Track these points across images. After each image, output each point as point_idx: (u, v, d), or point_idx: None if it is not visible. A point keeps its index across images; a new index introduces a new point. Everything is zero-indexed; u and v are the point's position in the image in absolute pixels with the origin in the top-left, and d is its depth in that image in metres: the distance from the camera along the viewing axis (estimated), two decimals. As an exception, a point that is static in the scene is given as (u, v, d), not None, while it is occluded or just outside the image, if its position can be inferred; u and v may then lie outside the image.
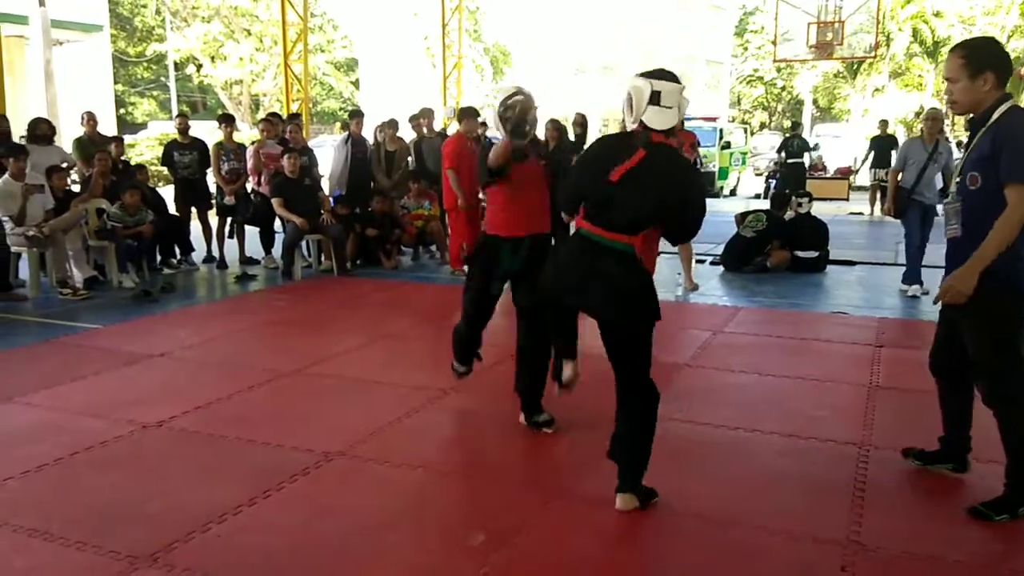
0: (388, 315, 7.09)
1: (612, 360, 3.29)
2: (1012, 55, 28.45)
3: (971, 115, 3.18)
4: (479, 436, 4.17)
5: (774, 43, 19.90)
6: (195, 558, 2.95)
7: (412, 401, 4.64)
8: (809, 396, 4.83)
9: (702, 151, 12.86)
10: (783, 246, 9.03)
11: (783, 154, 16.30)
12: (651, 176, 3.00)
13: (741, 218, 9.30)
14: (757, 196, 18.63)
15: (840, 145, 23.68)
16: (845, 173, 19.67)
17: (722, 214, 11.34)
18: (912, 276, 7.62)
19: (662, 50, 44.48)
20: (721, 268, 9.13)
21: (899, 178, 7.54)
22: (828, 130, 29.19)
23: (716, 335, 6.30)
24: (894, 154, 9.43)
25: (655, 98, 3.03)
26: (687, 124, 10.07)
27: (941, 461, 3.63)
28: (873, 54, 21.54)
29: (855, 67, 35.92)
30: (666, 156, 3.07)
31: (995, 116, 3.06)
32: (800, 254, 8.98)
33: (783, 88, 48.19)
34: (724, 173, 21.33)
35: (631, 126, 3.12)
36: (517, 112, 3.76)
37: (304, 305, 7.60)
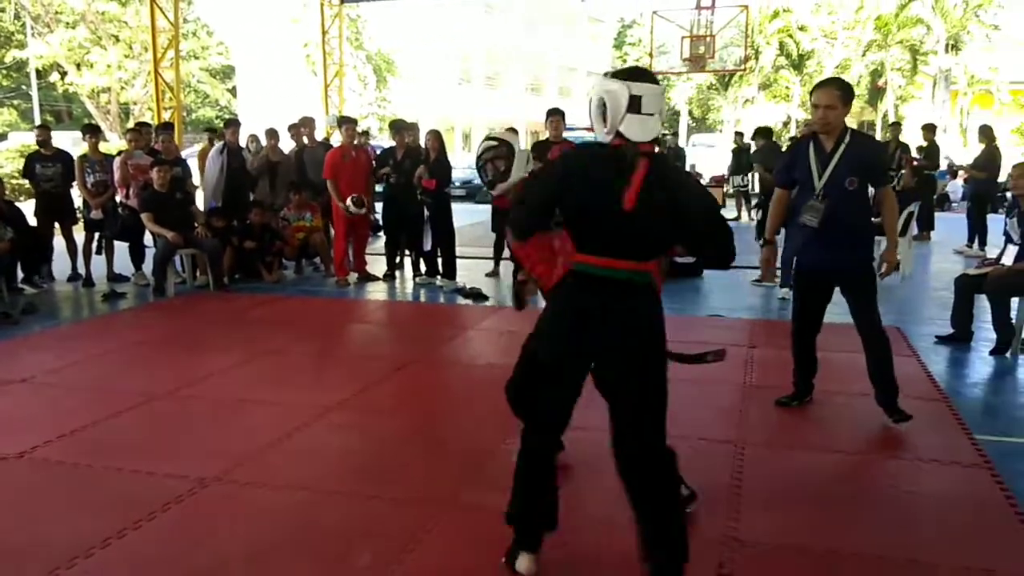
0: (268, 331, 6.88)
1: (634, 418, 2.75)
2: (871, 67, 30.19)
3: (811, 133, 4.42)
4: (364, 453, 4.09)
5: (650, 56, 20.51)
6: (57, 598, 2.77)
7: (294, 420, 4.51)
8: (688, 397, 4.93)
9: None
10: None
11: None
12: (664, 191, 2.56)
13: None
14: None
15: (714, 154, 24.60)
16: (720, 181, 20.46)
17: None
18: (786, 280, 7.98)
19: (545, 61, 45.26)
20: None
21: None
22: (703, 140, 30.29)
23: (600, 341, 6.40)
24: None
25: (634, 104, 2.55)
26: (569, 134, 10.22)
27: (801, 398, 4.70)
28: (743, 67, 22.52)
29: (727, 79, 37.53)
30: (669, 166, 2.72)
31: (848, 137, 4.18)
32: (679, 260, 9.24)
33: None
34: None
35: (605, 138, 2.64)
36: None
37: (178, 323, 7.30)
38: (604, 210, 2.57)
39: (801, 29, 37.47)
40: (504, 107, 40.99)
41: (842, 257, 4.26)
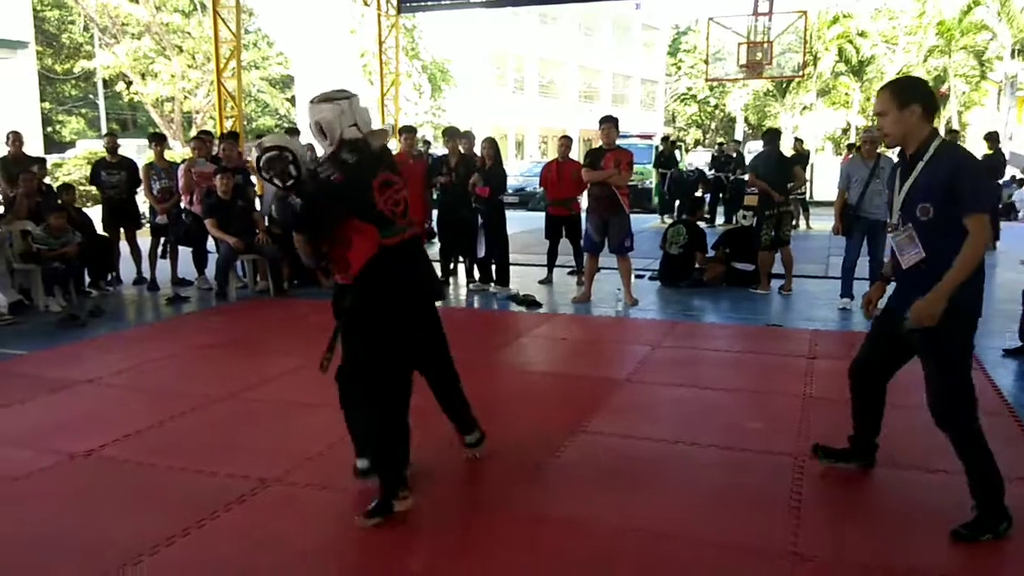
0: (326, 336, 6.96)
1: None
2: (932, 73, 29.44)
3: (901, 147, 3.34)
4: (420, 457, 4.12)
5: (706, 62, 20.35)
6: (125, 593, 2.85)
7: (351, 423, 4.56)
8: (745, 408, 4.91)
9: (637, 167, 13.04)
10: (718, 258, 9.24)
11: (720, 172, 17.03)
12: None
13: (664, 237, 9.46)
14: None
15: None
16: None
17: (659, 230, 11.55)
18: (846, 290, 7.84)
19: (599, 68, 45.19)
20: (659, 283, 9.27)
21: (845, 197, 7.73)
22: (759, 147, 29.91)
23: (655, 350, 6.37)
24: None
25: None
26: (623, 142, 10.18)
27: (850, 459, 3.86)
28: (801, 73, 22.17)
29: (784, 86, 37.02)
30: None
31: (932, 149, 3.20)
32: (738, 266, 9.15)
33: (716, 106, 49.30)
34: (659, 189, 21.70)
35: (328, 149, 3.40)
36: None
37: (239, 327, 7.45)
38: None
39: (861, 35, 36.80)
40: (557, 114, 41.05)
41: (911, 303, 3.23)
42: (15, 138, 8.99)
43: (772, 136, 9.14)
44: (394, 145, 11.71)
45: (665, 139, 19.79)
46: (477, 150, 8.95)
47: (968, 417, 3.23)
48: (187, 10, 30.16)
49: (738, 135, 40.48)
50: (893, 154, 7.91)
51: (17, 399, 5.07)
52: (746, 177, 17.26)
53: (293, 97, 37.27)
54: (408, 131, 9.30)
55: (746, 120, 45.93)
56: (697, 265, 9.17)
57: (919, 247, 3.24)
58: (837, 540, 3.23)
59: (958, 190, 3.11)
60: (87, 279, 8.84)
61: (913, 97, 3.22)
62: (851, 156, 10.44)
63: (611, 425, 4.55)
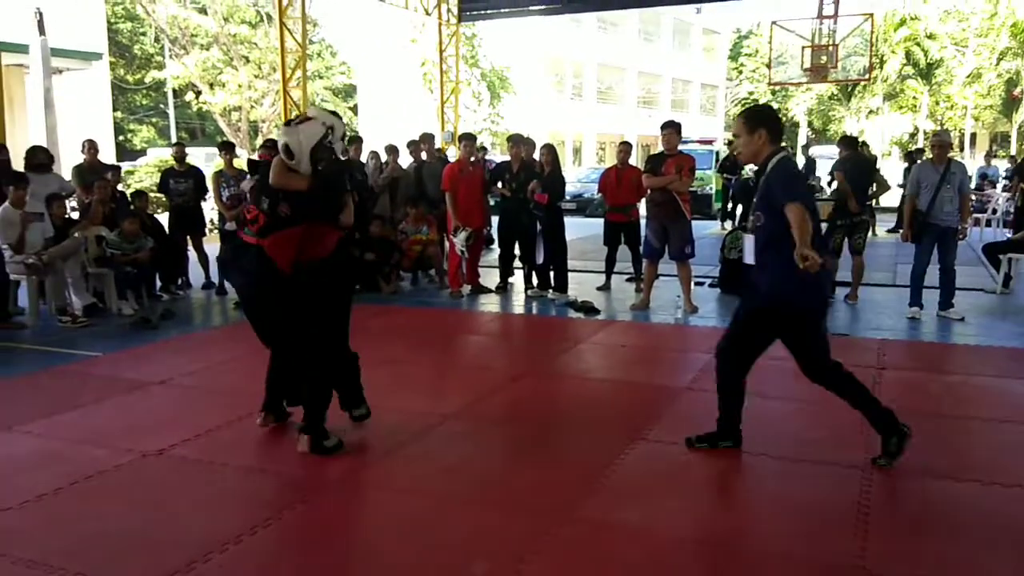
0: (387, 340, 7.06)
1: None
2: (1005, 76, 28.43)
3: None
4: (480, 462, 4.15)
5: (768, 66, 20.06)
6: (196, 588, 2.92)
7: (412, 427, 4.62)
8: (811, 419, 4.82)
9: (698, 173, 12.91)
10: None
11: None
12: None
13: (723, 243, 9.35)
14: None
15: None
16: (842, 194, 19.81)
17: (720, 236, 11.43)
18: (915, 299, 7.65)
19: (658, 74, 44.88)
20: (719, 290, 9.16)
21: (915, 203, 7.55)
22: (821, 151, 29.35)
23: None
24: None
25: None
26: (684, 147, 10.10)
27: (716, 440, 4.20)
28: (867, 76, 21.70)
29: (849, 89, 36.28)
30: None
31: (769, 166, 3.76)
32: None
33: (778, 110, 48.44)
34: (720, 195, 21.40)
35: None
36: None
37: (303, 331, 7.58)
38: None
39: (929, 37, 35.89)
40: (615, 120, 40.90)
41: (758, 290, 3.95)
42: (90, 146, 9.32)
43: (850, 143, 9.09)
44: (453, 152, 11.83)
45: (731, 143, 19.53)
46: (536, 156, 8.99)
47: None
48: (254, 21, 30.88)
49: (801, 140, 39.79)
50: (967, 160, 7.68)
51: (92, 399, 5.25)
52: (814, 182, 16.90)
53: (356, 106, 37.87)
54: (468, 138, 9.39)
55: (810, 124, 45.15)
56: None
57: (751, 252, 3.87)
58: (907, 556, 3.15)
59: (772, 192, 3.69)
60: (158, 283, 9.12)
61: (760, 123, 3.81)
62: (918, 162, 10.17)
63: (672, 433, 4.52)
